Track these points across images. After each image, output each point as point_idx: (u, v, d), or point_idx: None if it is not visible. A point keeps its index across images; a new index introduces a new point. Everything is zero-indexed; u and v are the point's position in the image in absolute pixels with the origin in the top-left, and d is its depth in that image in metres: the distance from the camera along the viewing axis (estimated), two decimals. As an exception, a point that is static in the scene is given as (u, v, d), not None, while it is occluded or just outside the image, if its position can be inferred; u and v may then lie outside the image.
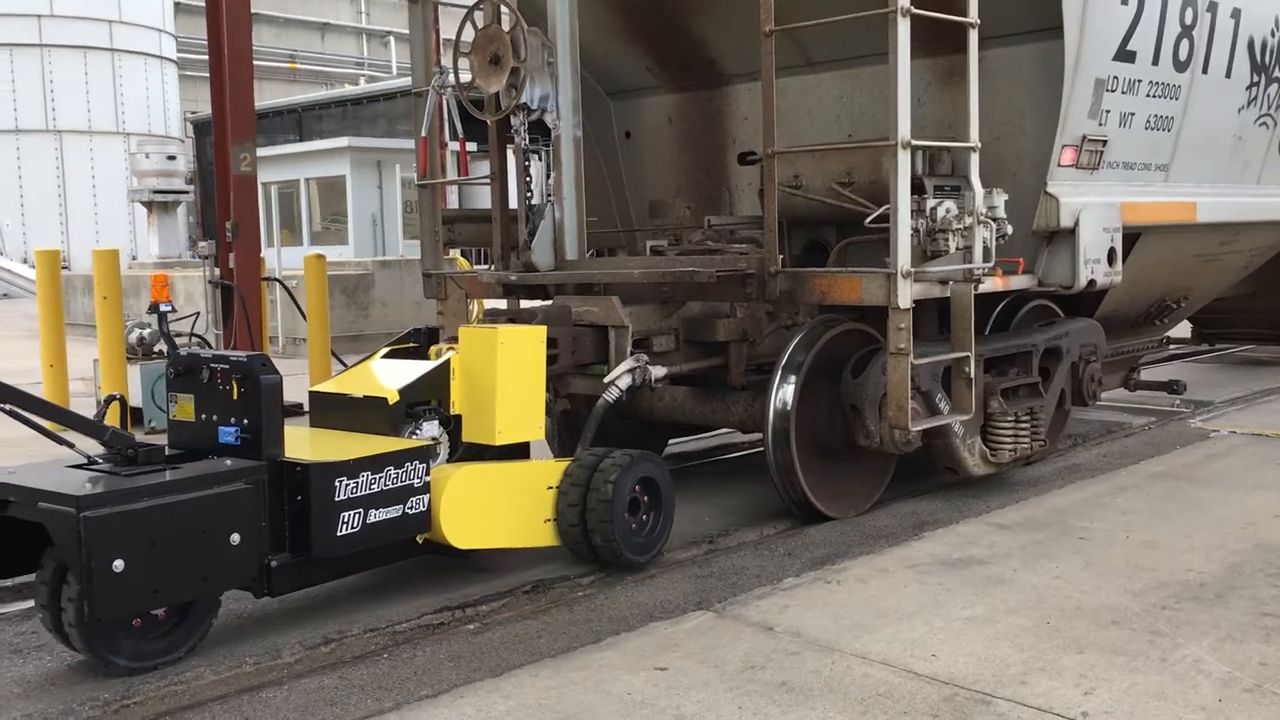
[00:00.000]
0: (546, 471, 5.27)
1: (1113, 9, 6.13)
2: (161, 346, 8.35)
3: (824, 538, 5.55)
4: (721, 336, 6.23)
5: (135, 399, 8.51)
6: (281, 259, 14.15)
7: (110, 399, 4.26)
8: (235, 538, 4.10)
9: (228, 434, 4.39)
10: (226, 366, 4.39)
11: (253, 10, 9.34)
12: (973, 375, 5.81)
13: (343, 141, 21.93)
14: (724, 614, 4.45)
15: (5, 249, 26.07)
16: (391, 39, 42.48)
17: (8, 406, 3.90)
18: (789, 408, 5.78)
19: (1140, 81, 6.39)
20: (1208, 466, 6.73)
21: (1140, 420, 8.38)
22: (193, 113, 30.93)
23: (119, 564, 3.76)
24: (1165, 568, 4.86)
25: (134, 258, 25.03)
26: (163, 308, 4.48)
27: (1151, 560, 4.97)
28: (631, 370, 5.75)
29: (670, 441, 7.70)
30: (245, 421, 4.35)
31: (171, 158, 21.24)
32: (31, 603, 4.65)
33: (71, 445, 4.10)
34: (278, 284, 11.41)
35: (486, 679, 3.84)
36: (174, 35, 31.65)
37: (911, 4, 5.24)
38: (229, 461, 4.27)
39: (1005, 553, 5.14)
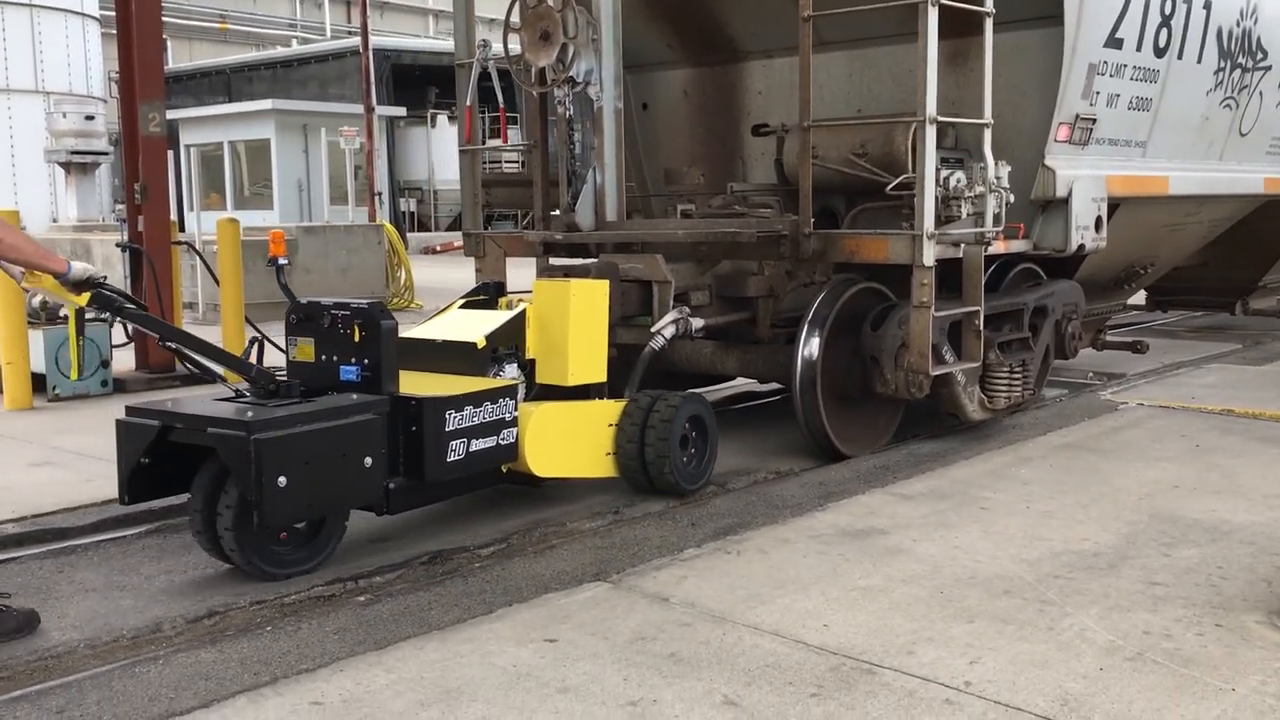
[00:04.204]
0: (608, 410, 5.81)
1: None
2: (65, 311, 8.01)
3: (729, 507, 5.51)
4: (752, 292, 6.82)
5: (38, 365, 8.08)
6: (202, 224, 13.38)
7: (254, 341, 4.72)
8: (368, 461, 4.60)
9: (349, 372, 4.86)
10: (348, 312, 4.86)
11: (182, -32, 9.04)
12: (981, 328, 6.48)
13: (266, 104, 21.36)
14: (620, 585, 4.35)
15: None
16: (325, 0, 41.93)
17: (173, 345, 4.34)
18: (815, 358, 6.39)
19: (1125, 66, 7.08)
20: (1112, 438, 6.77)
21: (1053, 392, 8.41)
22: (117, 72, 30.21)
23: (282, 480, 4.24)
24: (1061, 537, 4.86)
25: (54, 220, 24.48)
26: (280, 261, 4.91)
27: (1049, 530, 4.97)
28: (676, 321, 6.32)
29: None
30: (366, 361, 4.83)
31: (90, 117, 20.34)
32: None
33: (224, 381, 4.55)
34: (192, 249, 10.92)
35: (369, 652, 3.72)
36: (96, -9, 31.04)
37: (938, -6, 5.87)
38: (354, 396, 4.75)
39: (907, 523, 5.11)
